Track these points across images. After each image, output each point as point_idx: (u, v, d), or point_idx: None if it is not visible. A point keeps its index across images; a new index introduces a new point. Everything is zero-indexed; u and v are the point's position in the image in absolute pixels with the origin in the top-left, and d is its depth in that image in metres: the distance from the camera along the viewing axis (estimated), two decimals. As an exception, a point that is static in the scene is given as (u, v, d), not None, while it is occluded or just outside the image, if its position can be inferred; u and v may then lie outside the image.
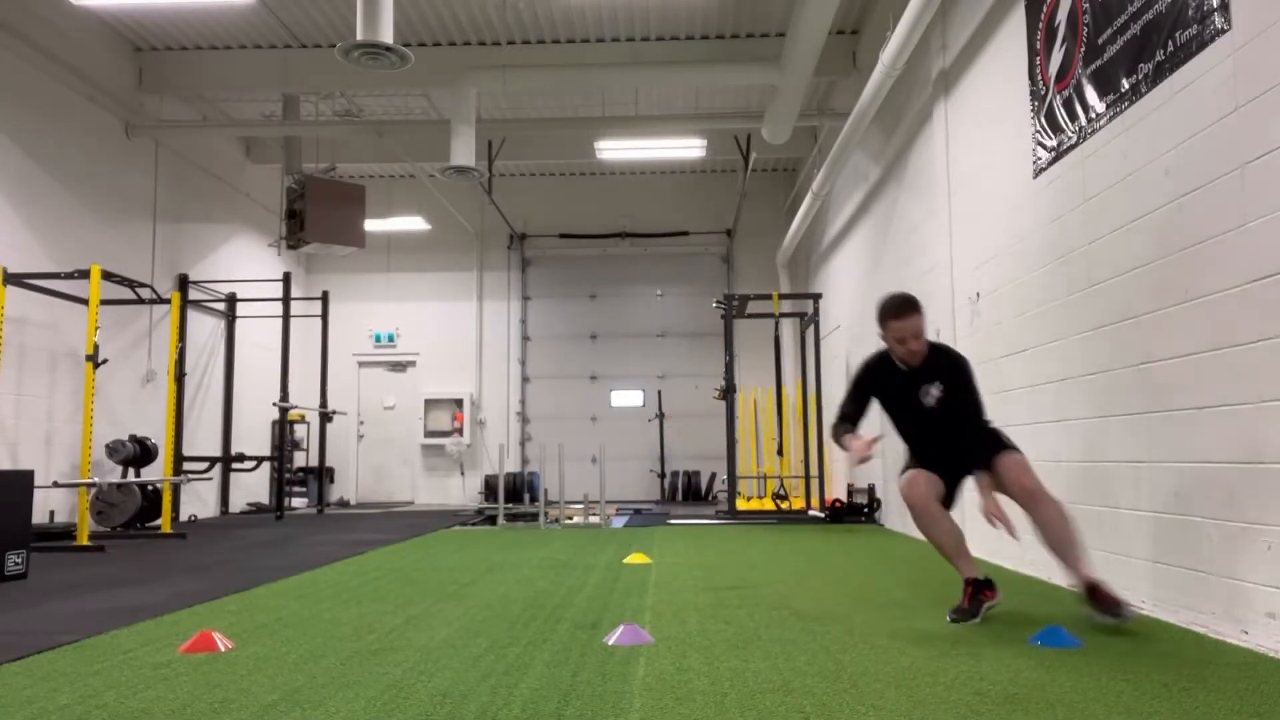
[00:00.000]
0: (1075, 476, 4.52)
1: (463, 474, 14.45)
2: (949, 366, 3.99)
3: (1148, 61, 3.81)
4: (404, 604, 4.29)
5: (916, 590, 4.55)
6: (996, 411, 5.53)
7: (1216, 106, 3.36)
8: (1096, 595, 3.53)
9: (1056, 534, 3.65)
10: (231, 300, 11.77)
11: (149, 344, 10.26)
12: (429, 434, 14.50)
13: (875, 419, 4.13)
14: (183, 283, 10.91)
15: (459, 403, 14.51)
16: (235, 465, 11.30)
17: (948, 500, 3.97)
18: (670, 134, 11.14)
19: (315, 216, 10.14)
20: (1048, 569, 4.84)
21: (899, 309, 3.90)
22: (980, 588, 3.75)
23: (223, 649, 3.27)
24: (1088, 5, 4.35)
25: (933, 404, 3.94)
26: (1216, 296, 3.36)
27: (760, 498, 11.34)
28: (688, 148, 11.43)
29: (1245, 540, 3.21)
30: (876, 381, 4.08)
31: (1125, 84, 4.00)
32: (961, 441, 3.91)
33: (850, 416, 4.07)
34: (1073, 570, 3.62)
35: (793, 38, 7.84)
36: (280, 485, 11.11)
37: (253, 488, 12.50)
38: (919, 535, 7.57)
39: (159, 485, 8.63)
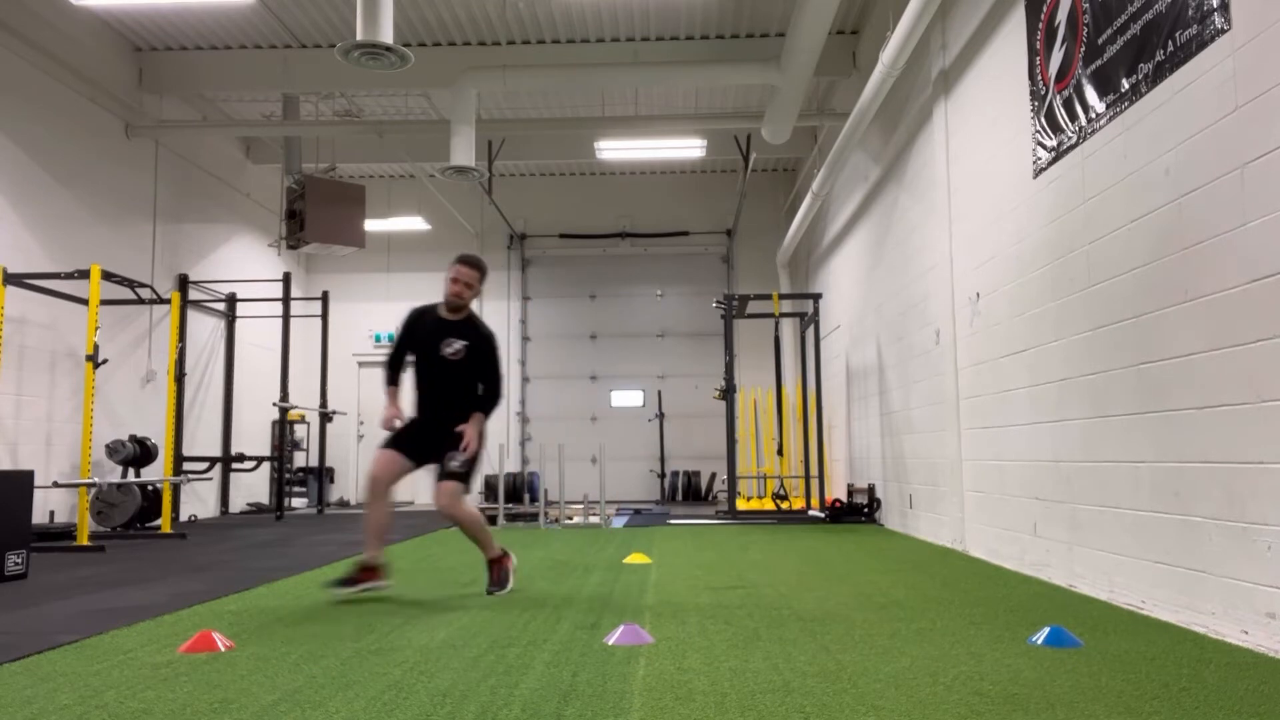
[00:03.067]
0: (1075, 476, 4.52)
1: (463, 474, 14.42)
2: (477, 334, 4.68)
3: (1148, 61, 3.81)
4: (404, 604, 4.29)
5: (916, 590, 4.55)
6: (997, 411, 5.56)
7: (1216, 106, 3.36)
8: (493, 567, 4.69)
9: (471, 533, 4.59)
10: (231, 300, 11.77)
11: (149, 344, 10.26)
12: (429, 434, 14.47)
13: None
14: (183, 283, 10.91)
15: (459, 403, 14.48)
16: (235, 465, 11.30)
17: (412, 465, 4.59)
18: (670, 134, 11.13)
19: (315, 216, 10.15)
20: (1047, 570, 4.84)
21: (469, 259, 4.74)
22: (368, 569, 4.46)
23: (223, 649, 3.27)
24: (1088, 5, 4.35)
25: (450, 355, 4.58)
26: (1216, 296, 3.36)
27: (760, 498, 11.33)
28: (687, 148, 11.42)
29: (1245, 540, 3.21)
30: (417, 325, 4.71)
31: (1125, 84, 3.99)
32: (447, 423, 4.53)
33: (394, 362, 4.75)
34: (485, 551, 4.69)
35: (793, 38, 7.84)
36: (280, 485, 11.11)
37: (253, 488, 12.50)
38: (919, 535, 7.59)
39: (159, 485, 8.63)
